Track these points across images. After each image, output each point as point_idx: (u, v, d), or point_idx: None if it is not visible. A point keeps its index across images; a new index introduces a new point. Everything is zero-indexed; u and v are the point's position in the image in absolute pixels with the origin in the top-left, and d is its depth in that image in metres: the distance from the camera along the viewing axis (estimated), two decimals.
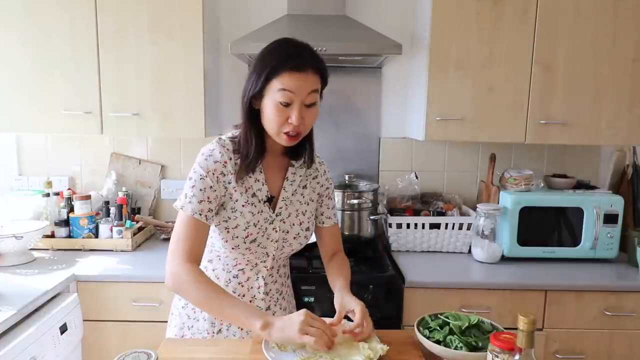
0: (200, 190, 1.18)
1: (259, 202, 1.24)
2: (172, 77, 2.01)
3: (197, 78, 2.01)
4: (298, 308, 1.50)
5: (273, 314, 1.28)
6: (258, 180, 1.24)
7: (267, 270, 1.30)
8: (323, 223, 1.38)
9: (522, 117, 2.00)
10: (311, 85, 1.13)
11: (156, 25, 1.97)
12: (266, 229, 1.24)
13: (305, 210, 1.31)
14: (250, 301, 1.29)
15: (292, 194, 1.29)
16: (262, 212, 1.23)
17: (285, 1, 2.11)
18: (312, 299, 1.78)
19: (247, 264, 1.28)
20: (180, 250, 1.14)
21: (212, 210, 1.19)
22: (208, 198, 1.18)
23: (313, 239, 1.40)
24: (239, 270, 1.29)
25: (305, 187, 1.33)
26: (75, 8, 1.96)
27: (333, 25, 2.01)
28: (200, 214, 1.16)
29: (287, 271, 1.42)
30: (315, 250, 1.98)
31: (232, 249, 1.23)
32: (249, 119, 1.19)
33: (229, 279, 1.29)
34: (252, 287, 1.29)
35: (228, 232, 1.21)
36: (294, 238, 1.29)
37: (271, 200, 1.26)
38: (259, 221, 1.23)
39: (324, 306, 1.74)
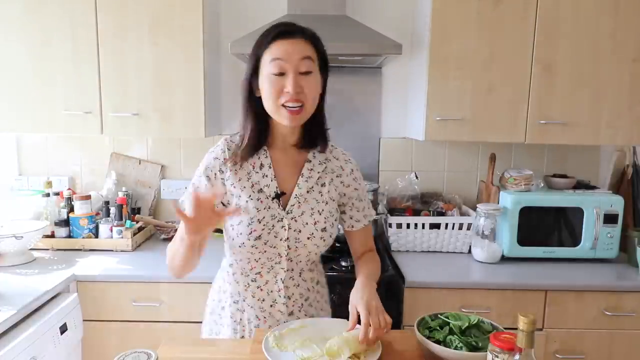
0: (197, 187, 1.21)
1: (267, 198, 1.20)
2: (172, 77, 2.00)
3: (197, 78, 2.01)
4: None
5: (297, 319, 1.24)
6: (266, 176, 1.20)
7: (285, 272, 1.24)
8: (353, 227, 1.31)
9: (522, 117, 2.00)
10: (302, 50, 1.10)
11: (156, 25, 1.97)
12: (273, 226, 1.19)
13: (322, 210, 1.23)
14: (271, 305, 1.24)
15: (308, 192, 1.23)
16: (269, 208, 1.19)
17: (285, 1, 2.11)
18: None
19: (262, 267, 1.24)
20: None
21: None
22: None
23: None
24: (256, 274, 1.25)
25: (324, 184, 1.25)
26: (75, 8, 1.96)
27: (333, 25, 2.01)
28: None
29: (317, 276, 1.33)
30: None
31: (239, 247, 1.20)
32: (250, 105, 1.17)
33: (248, 283, 1.25)
34: (271, 291, 1.25)
35: (233, 229, 1.19)
36: (308, 238, 1.21)
37: (280, 197, 1.21)
38: (264, 217, 1.18)
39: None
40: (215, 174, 1.20)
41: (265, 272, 1.24)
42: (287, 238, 1.20)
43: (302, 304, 1.28)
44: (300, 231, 1.21)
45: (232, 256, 1.27)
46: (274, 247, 1.21)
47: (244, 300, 1.26)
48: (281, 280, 1.24)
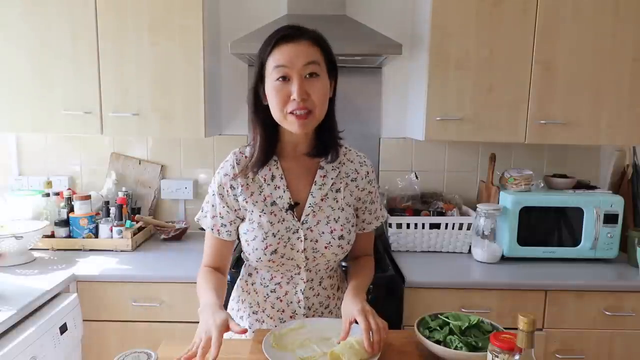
0: (212, 205, 1.20)
1: (280, 210, 1.16)
2: (172, 77, 2.00)
3: (197, 78, 2.00)
4: None
5: None
6: (278, 187, 1.17)
7: (305, 282, 1.21)
8: (364, 230, 1.28)
9: (522, 117, 2.00)
10: (306, 55, 1.07)
11: (156, 25, 1.97)
12: (289, 238, 1.16)
13: (339, 217, 1.19)
14: (291, 317, 1.23)
15: (322, 199, 1.18)
16: (283, 221, 1.16)
17: (285, 1, 2.11)
18: None
19: (282, 278, 1.21)
20: (203, 259, 1.25)
21: (225, 225, 1.19)
22: (220, 214, 1.19)
23: None
24: (275, 285, 1.22)
25: (338, 190, 1.20)
26: (75, 8, 1.96)
27: (333, 25, 2.00)
28: (212, 229, 1.20)
29: (336, 282, 1.30)
30: None
31: (256, 262, 1.17)
32: (257, 115, 1.14)
33: (267, 294, 1.23)
34: (291, 302, 1.22)
35: (248, 244, 1.17)
36: (325, 247, 1.17)
37: (295, 208, 1.17)
38: (279, 231, 1.15)
39: None
40: (227, 191, 1.17)
41: (285, 283, 1.22)
42: (304, 249, 1.17)
43: (322, 313, 1.26)
44: (317, 241, 1.18)
45: (251, 267, 1.25)
46: (292, 259, 1.18)
47: (263, 311, 1.25)
48: (301, 291, 1.22)
